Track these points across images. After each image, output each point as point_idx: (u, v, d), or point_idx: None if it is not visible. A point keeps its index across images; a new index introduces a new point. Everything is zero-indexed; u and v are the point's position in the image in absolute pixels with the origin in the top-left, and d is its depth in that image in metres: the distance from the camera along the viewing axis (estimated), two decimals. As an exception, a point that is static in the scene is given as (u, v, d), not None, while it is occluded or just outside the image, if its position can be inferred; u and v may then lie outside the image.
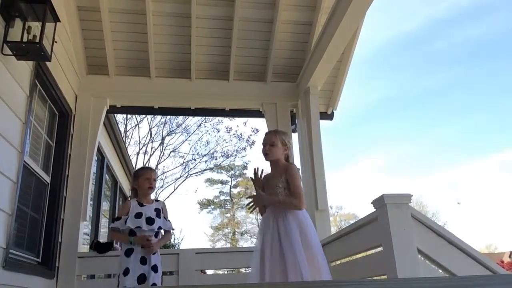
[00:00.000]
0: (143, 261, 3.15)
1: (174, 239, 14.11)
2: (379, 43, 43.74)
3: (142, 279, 3.09)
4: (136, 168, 4.43)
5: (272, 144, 2.92)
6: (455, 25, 43.23)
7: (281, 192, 2.79)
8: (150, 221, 3.23)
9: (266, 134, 3.07)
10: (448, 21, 42.45)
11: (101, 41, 4.72)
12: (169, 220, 3.42)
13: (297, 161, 4.77)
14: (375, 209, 2.91)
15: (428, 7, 43.16)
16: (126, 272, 3.11)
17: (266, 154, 2.93)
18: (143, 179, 3.37)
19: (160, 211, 3.35)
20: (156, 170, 17.43)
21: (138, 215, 3.23)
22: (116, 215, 3.38)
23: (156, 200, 3.48)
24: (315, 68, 4.60)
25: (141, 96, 5.19)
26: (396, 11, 45.17)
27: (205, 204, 28.28)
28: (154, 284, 3.11)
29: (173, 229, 3.46)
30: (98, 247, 4.44)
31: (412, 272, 2.56)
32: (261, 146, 3.02)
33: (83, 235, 4.80)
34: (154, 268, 3.16)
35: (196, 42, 4.91)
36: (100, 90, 4.97)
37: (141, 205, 3.31)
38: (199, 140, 20.29)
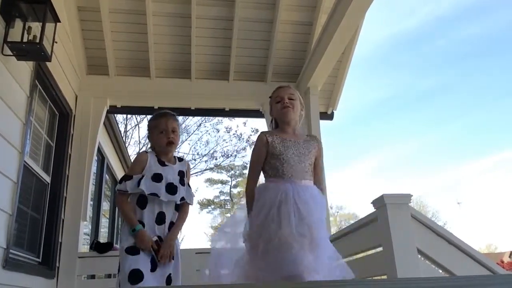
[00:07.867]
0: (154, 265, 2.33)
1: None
2: (379, 42, 43.81)
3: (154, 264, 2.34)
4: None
5: (292, 98, 2.26)
6: (456, 23, 43.34)
7: (309, 168, 2.21)
8: (171, 189, 2.40)
9: (280, 87, 2.44)
10: (449, 19, 42.55)
11: (101, 41, 4.72)
12: (190, 186, 2.59)
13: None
14: (375, 209, 2.92)
15: (429, 4, 43.26)
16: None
17: (287, 107, 2.26)
18: (157, 133, 2.52)
19: (184, 175, 2.54)
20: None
21: (157, 178, 2.40)
22: (126, 172, 2.54)
23: (180, 159, 2.62)
24: (315, 68, 4.60)
25: (141, 96, 5.20)
26: (396, 8, 45.23)
27: (205, 204, 28.27)
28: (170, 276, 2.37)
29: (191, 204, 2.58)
30: (98, 247, 4.44)
31: (412, 272, 2.57)
32: (273, 101, 2.40)
33: (83, 235, 4.81)
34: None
35: (196, 42, 4.91)
36: (100, 90, 4.97)
37: (162, 163, 2.48)
38: (199, 140, 20.29)
